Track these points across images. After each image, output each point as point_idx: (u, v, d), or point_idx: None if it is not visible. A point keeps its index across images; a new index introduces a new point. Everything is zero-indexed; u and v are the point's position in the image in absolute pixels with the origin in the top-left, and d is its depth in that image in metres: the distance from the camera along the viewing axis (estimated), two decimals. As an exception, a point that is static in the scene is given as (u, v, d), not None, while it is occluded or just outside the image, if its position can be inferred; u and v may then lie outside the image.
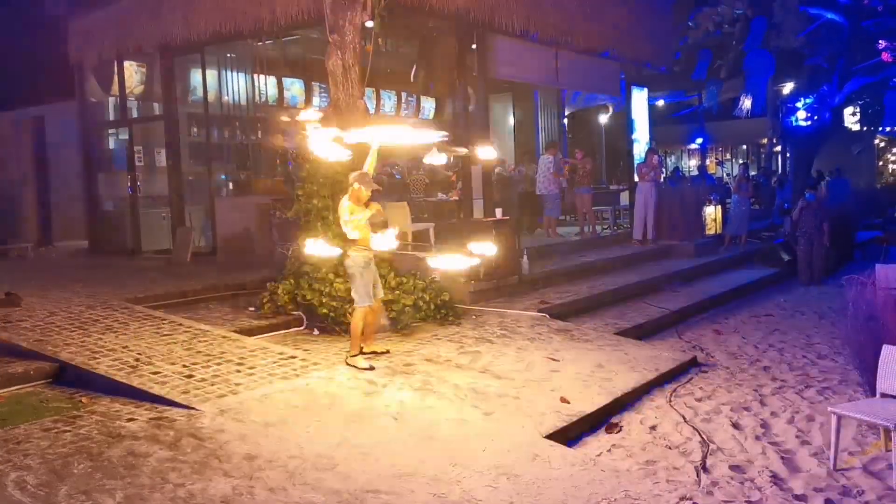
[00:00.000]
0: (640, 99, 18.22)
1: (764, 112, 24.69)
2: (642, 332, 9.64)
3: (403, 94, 17.96)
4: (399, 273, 9.05)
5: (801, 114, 23.74)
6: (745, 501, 5.01)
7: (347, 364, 7.14)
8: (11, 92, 15.60)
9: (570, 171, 15.61)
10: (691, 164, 32.87)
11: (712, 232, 16.66)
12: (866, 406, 5.69)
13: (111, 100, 14.73)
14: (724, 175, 30.53)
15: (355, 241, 7.09)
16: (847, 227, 16.76)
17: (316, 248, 7.12)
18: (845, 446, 5.90)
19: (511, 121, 19.05)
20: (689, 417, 6.70)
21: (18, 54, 14.99)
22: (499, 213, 11.25)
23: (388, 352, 7.63)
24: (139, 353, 6.97)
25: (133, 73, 14.09)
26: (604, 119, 21.78)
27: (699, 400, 7.22)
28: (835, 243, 14.56)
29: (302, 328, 8.67)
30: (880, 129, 28.92)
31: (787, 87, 25.38)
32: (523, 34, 12.44)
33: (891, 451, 5.37)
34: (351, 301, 7.50)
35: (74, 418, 5.74)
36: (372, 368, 7.09)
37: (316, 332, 8.54)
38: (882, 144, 33.77)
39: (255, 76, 13.57)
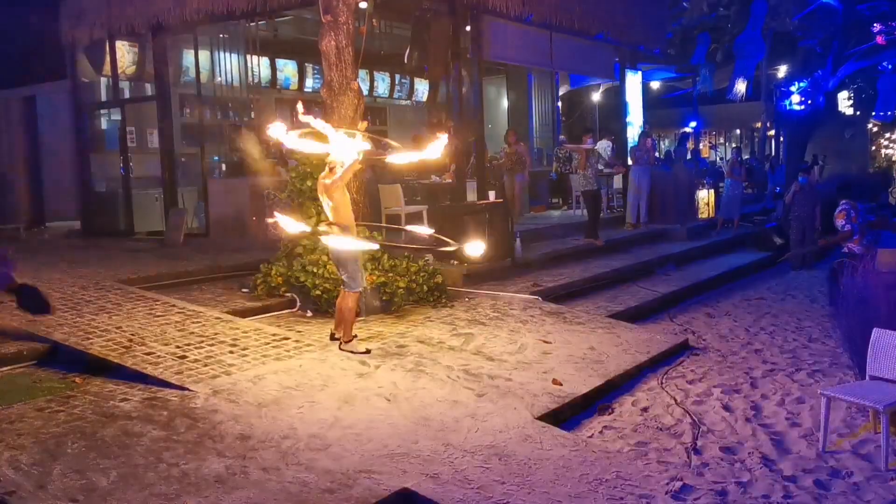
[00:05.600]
0: (633, 82, 18.19)
1: (757, 96, 24.75)
2: (635, 315, 9.66)
3: (397, 76, 17.92)
4: (392, 255, 9.05)
5: (795, 98, 23.79)
6: (735, 482, 5.05)
7: (342, 350, 7.11)
8: (2, 72, 15.48)
9: (507, 157, 14.79)
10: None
11: (705, 216, 16.71)
12: (856, 388, 5.74)
13: (103, 80, 14.65)
14: (717, 159, 30.57)
15: (348, 224, 7.07)
16: (839, 211, 16.79)
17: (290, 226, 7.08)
18: (835, 428, 5.95)
19: (505, 103, 19.01)
20: (681, 399, 6.75)
21: (9, 34, 14.86)
22: (492, 196, 11.25)
23: (356, 336, 7.55)
24: (132, 334, 6.97)
25: (125, 53, 14.00)
26: (597, 99, 21.77)
27: (690, 382, 7.27)
28: (827, 227, 14.59)
29: (295, 310, 8.68)
30: (873, 113, 28.98)
31: (782, 71, 25.39)
32: (517, 16, 12.40)
33: (880, 433, 5.42)
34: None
35: (68, 398, 5.75)
36: (368, 352, 7.10)
37: (309, 313, 8.55)
38: (875, 129, 33.84)
39: (248, 57, 13.50)
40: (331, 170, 6.90)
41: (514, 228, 11.25)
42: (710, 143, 33.82)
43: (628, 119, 17.81)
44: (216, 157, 13.99)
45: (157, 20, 12.67)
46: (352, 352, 7.06)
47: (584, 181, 12.94)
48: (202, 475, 4.55)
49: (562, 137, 18.38)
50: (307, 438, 5.15)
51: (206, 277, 9.80)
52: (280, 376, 6.29)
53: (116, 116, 14.70)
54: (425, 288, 9.01)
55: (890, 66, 24.48)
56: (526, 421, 5.71)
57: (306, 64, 15.78)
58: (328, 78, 9.12)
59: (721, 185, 17.93)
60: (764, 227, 16.39)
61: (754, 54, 22.00)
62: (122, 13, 13.10)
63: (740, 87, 22.70)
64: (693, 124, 28.89)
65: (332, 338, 7.37)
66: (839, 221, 10.12)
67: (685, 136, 22.68)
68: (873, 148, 34.45)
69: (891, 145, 35.77)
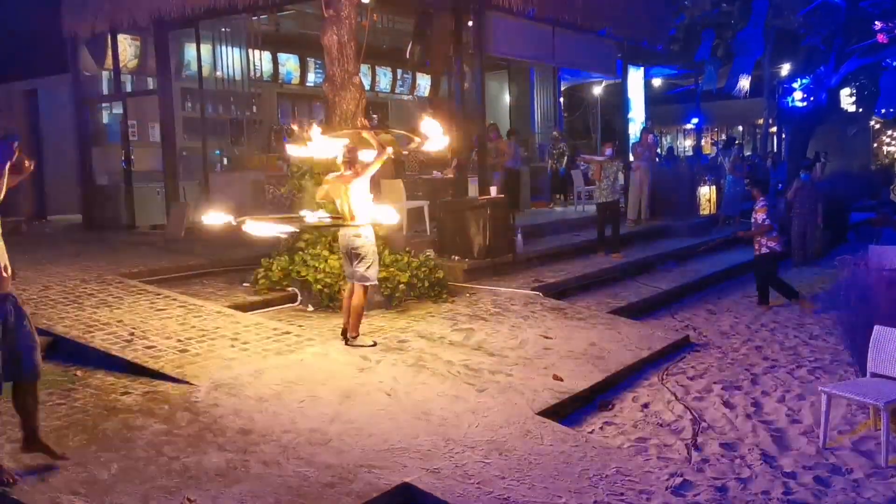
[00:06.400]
0: (636, 78, 18.17)
1: (760, 92, 24.74)
2: (636, 311, 9.67)
3: (399, 71, 17.89)
4: (394, 250, 9.05)
5: (798, 94, 23.75)
6: (736, 478, 5.05)
7: (350, 345, 7.08)
8: (4, 65, 15.45)
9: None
10: (686, 145, 32.86)
11: (706, 212, 16.70)
12: (857, 386, 5.74)
13: (105, 73, 14.62)
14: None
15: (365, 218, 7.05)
16: (841, 208, 16.79)
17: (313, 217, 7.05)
18: (835, 425, 5.95)
19: (507, 98, 18.99)
20: (681, 395, 6.75)
21: (11, 27, 14.85)
22: (493, 191, 11.23)
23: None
24: (134, 328, 6.97)
25: (127, 46, 13.97)
26: (599, 94, 21.74)
27: (691, 378, 7.27)
28: (829, 224, 14.60)
29: (296, 304, 8.68)
30: (875, 111, 28.93)
31: (784, 68, 25.35)
32: (520, 11, 12.38)
33: (880, 430, 5.42)
34: (345, 278, 7.49)
35: (69, 391, 5.75)
36: (374, 344, 7.11)
37: (310, 308, 8.55)
38: (877, 126, 33.81)
39: (250, 51, 13.47)
40: (349, 168, 6.95)
41: (515, 224, 11.24)
42: (711, 139, 33.78)
43: (630, 115, 17.80)
44: (217, 151, 13.99)
45: (159, 14, 12.63)
46: (361, 346, 7.06)
47: (598, 193, 12.91)
48: (203, 469, 4.56)
49: (554, 133, 18.30)
50: (308, 433, 5.16)
51: (208, 271, 9.80)
52: (281, 370, 6.29)
53: (118, 110, 14.68)
54: (426, 283, 9.01)
55: (893, 63, 24.43)
56: (526, 416, 5.72)
57: (308, 58, 15.75)
58: (330, 72, 9.12)
59: (722, 181, 17.91)
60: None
61: (753, 51, 21.99)
62: (123, 6, 13.04)
63: (743, 83, 22.68)
64: (695, 121, 28.85)
65: (344, 333, 7.24)
66: (759, 216, 10.21)
67: (732, 138, 22.32)
68: (875, 145, 34.43)
69: (893, 142, 35.74)
